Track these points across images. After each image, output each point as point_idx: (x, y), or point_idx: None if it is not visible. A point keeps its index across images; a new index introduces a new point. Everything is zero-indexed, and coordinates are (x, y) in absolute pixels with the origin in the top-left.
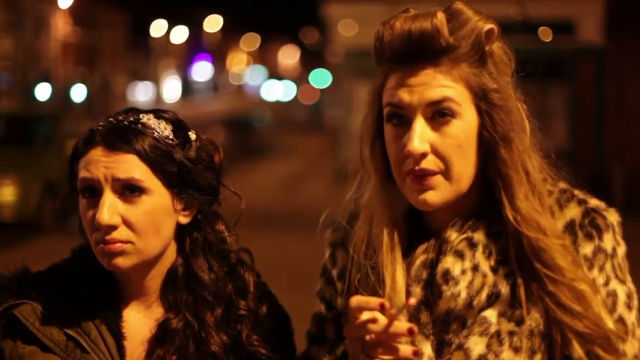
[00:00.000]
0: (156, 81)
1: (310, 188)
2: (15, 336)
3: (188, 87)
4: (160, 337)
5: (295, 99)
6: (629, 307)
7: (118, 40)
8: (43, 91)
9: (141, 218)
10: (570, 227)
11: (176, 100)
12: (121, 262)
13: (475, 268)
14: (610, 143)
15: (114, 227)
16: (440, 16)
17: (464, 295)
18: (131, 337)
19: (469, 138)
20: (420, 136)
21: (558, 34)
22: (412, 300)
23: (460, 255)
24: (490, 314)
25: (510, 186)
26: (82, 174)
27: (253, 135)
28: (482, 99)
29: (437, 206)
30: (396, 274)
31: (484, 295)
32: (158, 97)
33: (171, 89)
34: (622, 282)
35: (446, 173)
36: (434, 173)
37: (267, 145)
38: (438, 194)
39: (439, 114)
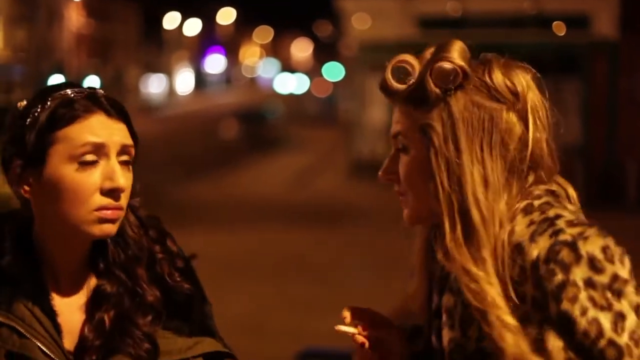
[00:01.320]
0: (169, 73)
1: (323, 181)
2: None
3: (201, 79)
4: (96, 303)
5: (308, 91)
6: (616, 331)
7: (131, 33)
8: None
9: (129, 187)
10: (535, 265)
11: (189, 93)
12: (112, 228)
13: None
14: (623, 138)
15: (124, 191)
16: (400, 59)
17: None
18: (64, 311)
19: (413, 171)
20: (385, 166)
21: (572, 28)
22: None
23: None
24: None
25: (441, 226)
26: (89, 138)
27: (266, 127)
28: (424, 135)
29: (410, 223)
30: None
31: None
32: (171, 90)
33: (184, 82)
34: (605, 308)
35: (407, 197)
36: (401, 194)
37: (279, 138)
38: (407, 212)
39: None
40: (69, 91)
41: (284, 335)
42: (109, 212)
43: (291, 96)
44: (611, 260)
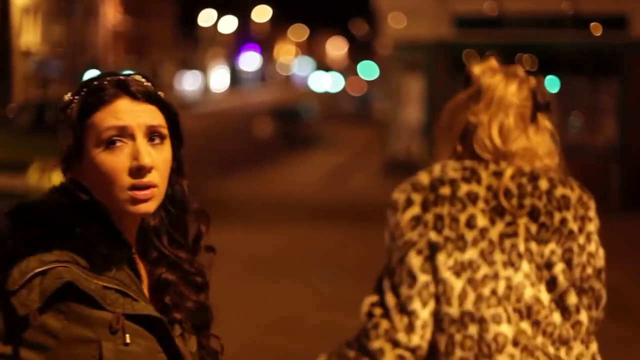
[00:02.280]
0: (204, 70)
1: (357, 180)
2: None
3: (236, 76)
4: (159, 290)
5: (343, 90)
6: (397, 261)
7: (167, 30)
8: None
9: (163, 164)
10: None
11: (224, 90)
12: (149, 206)
13: None
14: None
15: (150, 170)
16: None
17: None
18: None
19: None
20: None
21: (609, 29)
22: None
23: None
24: None
25: None
26: (112, 122)
27: (300, 126)
28: None
29: None
30: None
31: None
32: (206, 87)
33: (219, 79)
34: (395, 241)
35: None
36: None
37: (314, 136)
38: None
39: None
40: (101, 80)
41: (317, 334)
42: (140, 192)
43: (326, 94)
44: (394, 209)
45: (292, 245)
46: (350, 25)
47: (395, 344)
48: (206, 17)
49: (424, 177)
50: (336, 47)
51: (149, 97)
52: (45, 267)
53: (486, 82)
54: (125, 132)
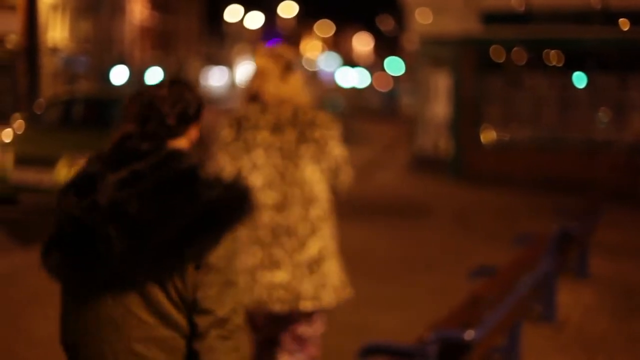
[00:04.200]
0: (230, 66)
1: (385, 176)
2: None
3: None
4: None
5: (370, 85)
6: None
7: (193, 25)
8: (119, 74)
9: None
10: None
11: None
12: None
13: None
14: None
15: None
16: None
17: None
18: None
19: None
20: None
21: (638, 24)
22: None
23: None
24: None
25: None
26: None
27: None
28: None
29: None
30: None
31: None
32: (232, 82)
33: (245, 74)
34: None
35: None
36: None
37: (341, 132)
38: None
39: None
40: None
41: (345, 330)
42: None
43: (353, 90)
44: (224, 126)
45: None
46: (376, 20)
47: None
48: (232, 12)
49: (241, 112)
50: (362, 43)
51: None
52: None
53: (257, 65)
54: None
